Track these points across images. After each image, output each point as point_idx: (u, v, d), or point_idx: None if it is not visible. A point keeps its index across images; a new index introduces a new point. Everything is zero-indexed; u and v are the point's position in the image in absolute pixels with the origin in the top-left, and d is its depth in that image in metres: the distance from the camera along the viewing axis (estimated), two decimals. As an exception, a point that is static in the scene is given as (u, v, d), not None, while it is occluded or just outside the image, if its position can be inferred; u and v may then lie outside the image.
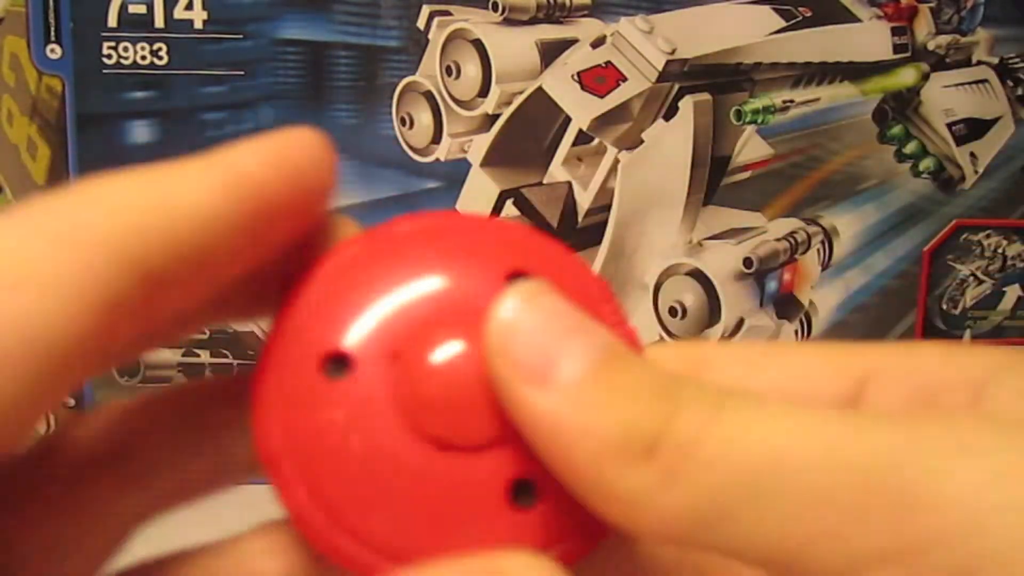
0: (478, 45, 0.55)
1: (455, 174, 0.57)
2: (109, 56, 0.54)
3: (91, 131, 0.55)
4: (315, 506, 0.17)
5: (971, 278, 0.62)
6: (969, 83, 0.60)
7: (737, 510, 0.16)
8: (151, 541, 0.22)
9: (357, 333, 0.18)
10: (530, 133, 0.57)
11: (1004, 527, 0.15)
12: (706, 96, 0.56)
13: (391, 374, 0.18)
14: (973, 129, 0.60)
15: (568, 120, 0.55)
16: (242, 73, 0.55)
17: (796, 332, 0.60)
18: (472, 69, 0.55)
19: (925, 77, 0.59)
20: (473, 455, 0.17)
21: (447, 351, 0.17)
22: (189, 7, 0.54)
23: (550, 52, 0.56)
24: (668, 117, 0.55)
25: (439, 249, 0.20)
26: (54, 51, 0.56)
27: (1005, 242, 0.61)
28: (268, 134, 0.18)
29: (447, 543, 0.17)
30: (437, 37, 0.55)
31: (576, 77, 0.54)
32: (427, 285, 0.19)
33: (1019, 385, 0.18)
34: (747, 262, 0.56)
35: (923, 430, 0.16)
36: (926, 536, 0.15)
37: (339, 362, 0.18)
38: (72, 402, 0.60)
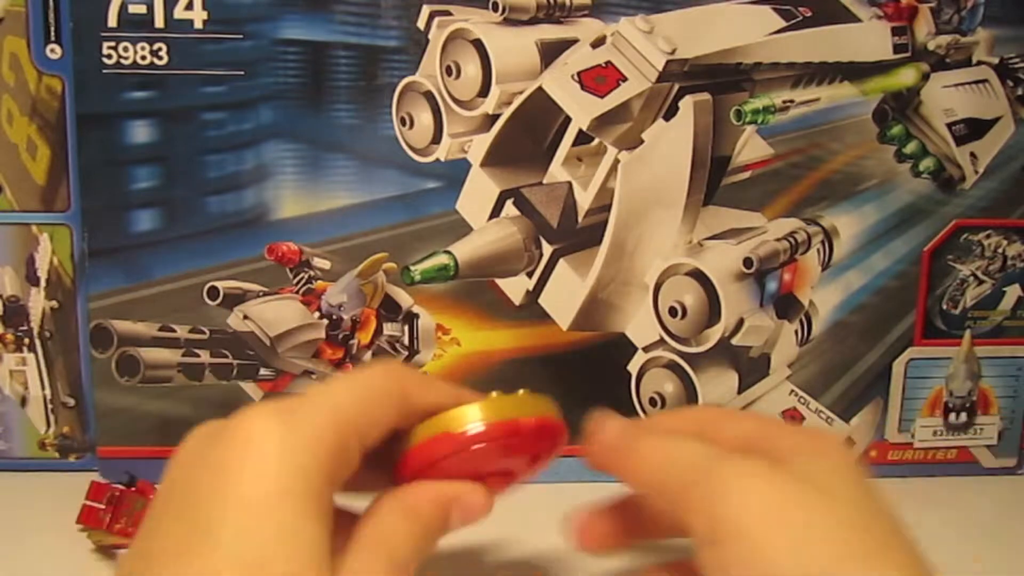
0: (478, 45, 0.55)
1: (455, 174, 0.57)
2: (109, 56, 0.54)
3: (91, 131, 0.55)
4: None
5: (971, 278, 0.62)
6: (969, 83, 0.60)
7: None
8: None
9: None
10: (530, 133, 0.57)
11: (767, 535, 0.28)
12: (706, 96, 0.56)
13: None
14: (973, 129, 0.60)
15: (568, 120, 0.55)
16: (242, 73, 0.55)
17: (796, 332, 0.60)
18: (472, 69, 0.55)
19: (925, 77, 0.59)
20: None
21: None
22: (189, 7, 0.54)
23: (550, 52, 0.56)
24: (668, 117, 0.55)
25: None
26: (54, 51, 0.56)
27: (1005, 242, 0.61)
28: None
29: None
30: (437, 37, 0.55)
31: (576, 77, 0.54)
32: None
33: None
34: (747, 262, 0.56)
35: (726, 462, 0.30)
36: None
37: None
38: (72, 402, 0.60)
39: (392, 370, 0.32)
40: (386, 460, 0.34)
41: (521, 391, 0.35)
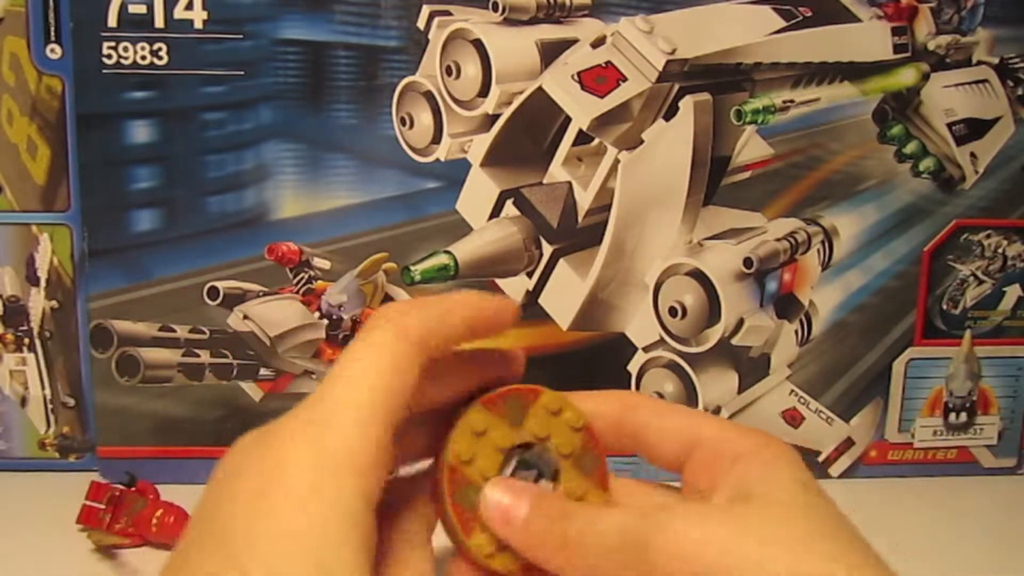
0: (478, 45, 0.55)
1: (455, 174, 0.57)
2: (109, 56, 0.54)
3: (91, 131, 0.55)
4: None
5: (971, 278, 0.62)
6: (969, 83, 0.60)
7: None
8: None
9: None
10: (530, 133, 0.57)
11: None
12: (706, 96, 0.56)
13: None
14: (973, 129, 0.60)
15: (568, 120, 0.55)
16: (242, 73, 0.55)
17: (796, 332, 0.60)
18: (472, 69, 0.55)
19: (925, 77, 0.59)
20: None
21: None
22: (189, 7, 0.54)
23: (550, 52, 0.56)
24: (668, 117, 0.55)
25: None
26: (54, 51, 0.56)
27: (1005, 242, 0.61)
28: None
29: None
30: (437, 37, 0.55)
31: (576, 77, 0.54)
32: None
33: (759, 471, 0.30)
34: (747, 262, 0.56)
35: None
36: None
37: None
38: (72, 402, 0.60)
39: (400, 330, 0.30)
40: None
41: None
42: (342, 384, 0.29)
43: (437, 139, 0.57)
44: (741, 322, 0.57)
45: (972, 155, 0.60)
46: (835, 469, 0.62)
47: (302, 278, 0.57)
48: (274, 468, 0.27)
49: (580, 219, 0.57)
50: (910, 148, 0.60)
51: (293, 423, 0.28)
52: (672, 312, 0.57)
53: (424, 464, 0.34)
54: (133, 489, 0.52)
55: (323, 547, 0.25)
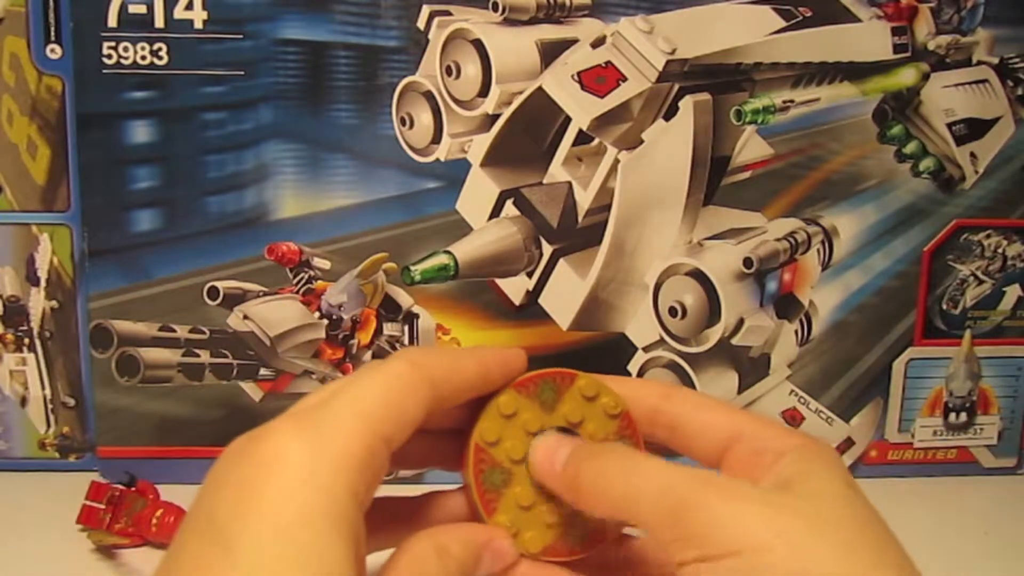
0: (478, 45, 0.55)
1: (455, 174, 0.57)
2: (109, 56, 0.54)
3: (91, 131, 0.55)
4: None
5: (971, 278, 0.62)
6: (969, 83, 0.60)
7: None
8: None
9: None
10: (530, 133, 0.57)
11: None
12: (706, 96, 0.56)
13: None
14: (973, 129, 0.60)
15: (568, 120, 0.55)
16: (242, 73, 0.55)
17: (796, 332, 0.60)
18: (472, 69, 0.55)
19: (925, 77, 0.59)
20: None
21: None
22: (189, 7, 0.54)
23: (550, 52, 0.56)
24: (668, 117, 0.55)
25: None
26: (54, 51, 0.56)
27: (1005, 242, 0.61)
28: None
29: None
30: (437, 37, 0.55)
31: (576, 77, 0.54)
32: None
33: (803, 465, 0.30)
34: (747, 262, 0.56)
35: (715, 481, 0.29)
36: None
37: None
38: (72, 402, 0.60)
39: (415, 363, 0.30)
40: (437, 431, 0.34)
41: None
42: (346, 394, 0.29)
43: (437, 139, 0.57)
44: (741, 322, 0.57)
45: (972, 155, 0.60)
46: (835, 469, 0.62)
47: (302, 278, 0.57)
48: (267, 463, 0.27)
49: (580, 219, 0.57)
50: (910, 148, 0.60)
51: (288, 421, 0.28)
52: (672, 312, 0.57)
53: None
54: (133, 489, 0.52)
55: (308, 537, 0.26)
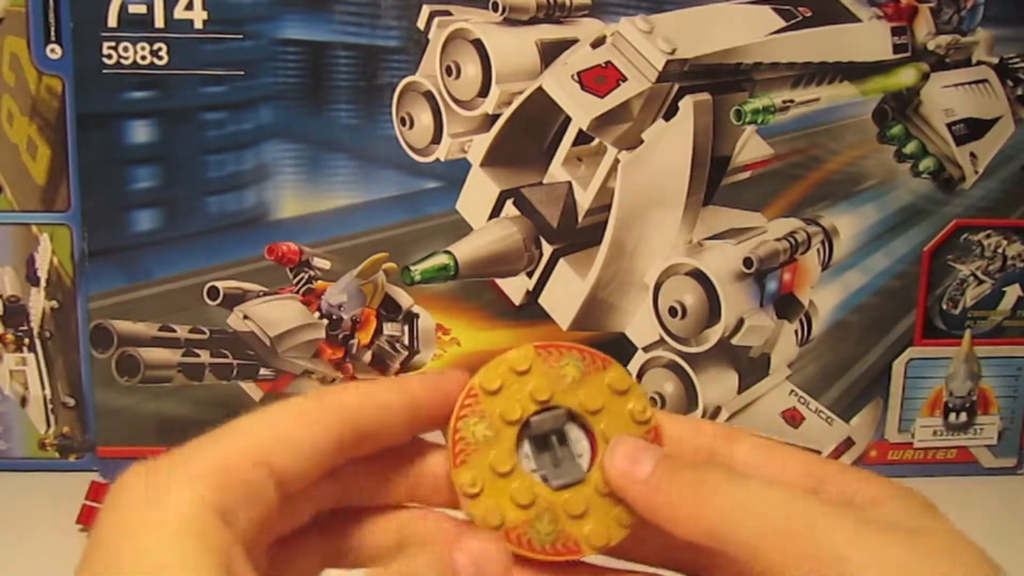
0: (478, 45, 0.55)
1: (455, 174, 0.57)
2: (109, 56, 0.54)
3: (91, 131, 0.55)
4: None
5: (971, 278, 0.62)
6: (969, 83, 0.60)
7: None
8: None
9: None
10: (530, 133, 0.57)
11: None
12: (706, 96, 0.56)
13: None
14: (973, 129, 0.60)
15: (568, 120, 0.55)
16: (242, 73, 0.55)
17: (796, 332, 0.60)
18: (472, 69, 0.55)
19: (925, 77, 0.59)
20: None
21: None
22: (189, 7, 0.54)
23: (550, 52, 0.56)
24: (668, 117, 0.55)
25: None
26: (54, 51, 0.56)
27: (1005, 242, 0.61)
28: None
29: None
30: (437, 37, 0.55)
31: (576, 77, 0.54)
32: None
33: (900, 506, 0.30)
34: (747, 262, 0.56)
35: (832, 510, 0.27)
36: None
37: None
38: (72, 402, 0.60)
39: (318, 395, 0.29)
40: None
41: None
42: (238, 422, 0.28)
43: (437, 139, 0.57)
44: (741, 322, 0.57)
45: (972, 155, 0.60)
46: (835, 469, 0.62)
47: (302, 278, 0.57)
48: (114, 496, 0.27)
49: (580, 219, 0.57)
50: (910, 148, 0.60)
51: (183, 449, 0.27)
52: (672, 312, 0.57)
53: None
54: (133, 489, 0.52)
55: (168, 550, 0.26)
